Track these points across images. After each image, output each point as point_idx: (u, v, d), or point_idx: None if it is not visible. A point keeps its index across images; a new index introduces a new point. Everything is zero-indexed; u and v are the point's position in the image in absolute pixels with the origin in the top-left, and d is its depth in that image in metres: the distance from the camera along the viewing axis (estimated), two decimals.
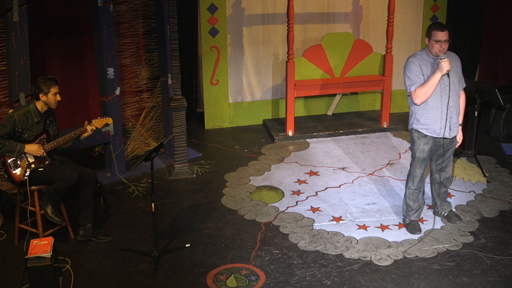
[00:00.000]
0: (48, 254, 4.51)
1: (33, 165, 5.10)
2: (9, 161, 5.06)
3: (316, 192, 6.27)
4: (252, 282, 4.76)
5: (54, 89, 5.06)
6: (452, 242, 5.27)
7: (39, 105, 5.09)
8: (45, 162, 5.16)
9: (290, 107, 7.62)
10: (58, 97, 5.11)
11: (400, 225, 5.58)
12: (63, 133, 5.30)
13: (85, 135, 5.28)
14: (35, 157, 5.11)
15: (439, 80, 4.96)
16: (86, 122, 5.27)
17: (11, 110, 5.45)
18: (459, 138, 5.33)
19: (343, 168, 6.84)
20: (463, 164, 6.86)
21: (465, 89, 5.32)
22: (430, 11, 8.32)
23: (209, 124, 8.16)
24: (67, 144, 5.30)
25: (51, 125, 5.25)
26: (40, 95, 5.04)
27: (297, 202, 6.06)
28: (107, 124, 5.53)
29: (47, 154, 5.17)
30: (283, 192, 6.27)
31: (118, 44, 6.62)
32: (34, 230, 5.20)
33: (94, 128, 5.29)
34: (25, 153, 5.06)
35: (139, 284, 4.76)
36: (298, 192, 6.27)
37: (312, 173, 6.71)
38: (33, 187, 5.13)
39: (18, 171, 5.07)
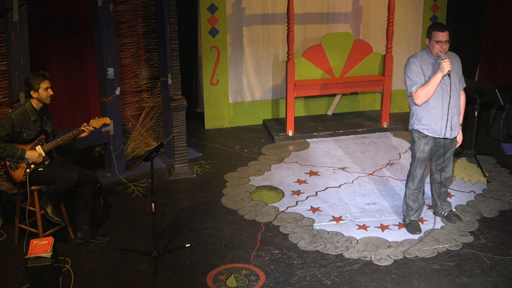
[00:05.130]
0: (48, 254, 4.51)
1: (32, 165, 5.10)
2: (8, 162, 5.07)
3: (316, 192, 6.27)
4: (252, 282, 4.76)
5: (44, 84, 5.04)
6: (452, 242, 5.28)
7: (34, 103, 5.09)
8: (44, 162, 5.16)
9: (290, 107, 7.62)
10: (50, 91, 5.09)
11: (400, 225, 5.58)
12: (61, 134, 5.30)
13: (83, 135, 5.28)
14: None
15: (440, 81, 4.96)
16: (85, 123, 5.27)
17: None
18: (459, 139, 5.33)
19: (343, 168, 6.84)
20: (463, 164, 6.85)
21: (465, 89, 5.32)
22: (430, 11, 8.32)
23: (209, 124, 8.16)
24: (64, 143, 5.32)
25: (47, 121, 5.25)
26: (32, 92, 5.03)
27: (297, 202, 6.06)
28: (105, 124, 5.52)
29: (46, 154, 5.18)
30: (283, 192, 6.27)
31: (118, 44, 6.62)
32: (34, 230, 5.20)
33: (92, 128, 5.29)
34: (24, 158, 5.07)
35: (139, 284, 4.76)
36: (298, 192, 6.27)
37: (312, 173, 6.71)
38: (33, 187, 5.13)
39: (18, 172, 5.08)
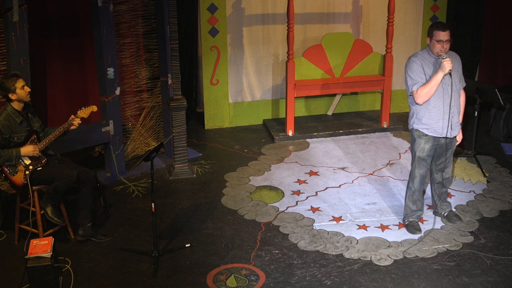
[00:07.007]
0: (48, 254, 4.51)
1: (30, 167, 5.09)
2: (6, 168, 5.05)
3: (316, 192, 6.27)
4: (252, 282, 4.76)
5: (19, 84, 4.99)
6: (452, 242, 5.27)
7: (15, 105, 5.04)
8: (41, 161, 5.15)
9: (290, 107, 7.62)
10: (27, 88, 5.04)
11: (400, 225, 5.58)
12: (50, 128, 5.27)
13: (72, 127, 5.23)
14: (31, 158, 5.10)
15: (441, 80, 4.96)
16: (72, 115, 5.21)
17: None
18: (459, 137, 5.33)
19: (343, 168, 6.84)
20: (463, 164, 6.85)
21: (465, 89, 5.33)
22: (430, 11, 8.32)
23: (209, 124, 8.16)
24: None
25: (33, 118, 5.21)
26: (10, 95, 4.98)
27: (297, 202, 6.06)
28: (93, 112, 5.42)
29: (42, 153, 5.17)
30: (283, 192, 6.27)
31: (118, 44, 6.62)
32: (34, 230, 5.20)
33: (79, 120, 5.23)
34: (22, 157, 5.05)
35: (139, 284, 4.76)
36: (298, 192, 6.26)
37: (312, 173, 6.71)
38: (33, 187, 5.13)
39: (18, 176, 5.07)
